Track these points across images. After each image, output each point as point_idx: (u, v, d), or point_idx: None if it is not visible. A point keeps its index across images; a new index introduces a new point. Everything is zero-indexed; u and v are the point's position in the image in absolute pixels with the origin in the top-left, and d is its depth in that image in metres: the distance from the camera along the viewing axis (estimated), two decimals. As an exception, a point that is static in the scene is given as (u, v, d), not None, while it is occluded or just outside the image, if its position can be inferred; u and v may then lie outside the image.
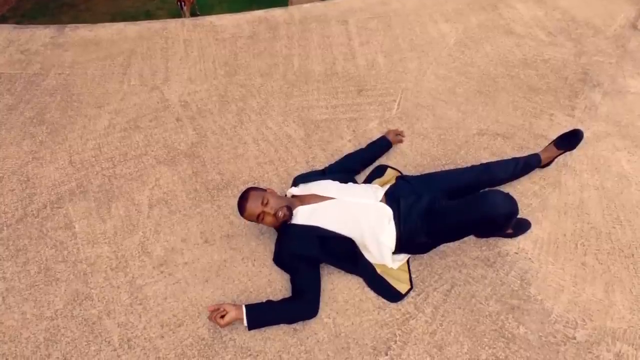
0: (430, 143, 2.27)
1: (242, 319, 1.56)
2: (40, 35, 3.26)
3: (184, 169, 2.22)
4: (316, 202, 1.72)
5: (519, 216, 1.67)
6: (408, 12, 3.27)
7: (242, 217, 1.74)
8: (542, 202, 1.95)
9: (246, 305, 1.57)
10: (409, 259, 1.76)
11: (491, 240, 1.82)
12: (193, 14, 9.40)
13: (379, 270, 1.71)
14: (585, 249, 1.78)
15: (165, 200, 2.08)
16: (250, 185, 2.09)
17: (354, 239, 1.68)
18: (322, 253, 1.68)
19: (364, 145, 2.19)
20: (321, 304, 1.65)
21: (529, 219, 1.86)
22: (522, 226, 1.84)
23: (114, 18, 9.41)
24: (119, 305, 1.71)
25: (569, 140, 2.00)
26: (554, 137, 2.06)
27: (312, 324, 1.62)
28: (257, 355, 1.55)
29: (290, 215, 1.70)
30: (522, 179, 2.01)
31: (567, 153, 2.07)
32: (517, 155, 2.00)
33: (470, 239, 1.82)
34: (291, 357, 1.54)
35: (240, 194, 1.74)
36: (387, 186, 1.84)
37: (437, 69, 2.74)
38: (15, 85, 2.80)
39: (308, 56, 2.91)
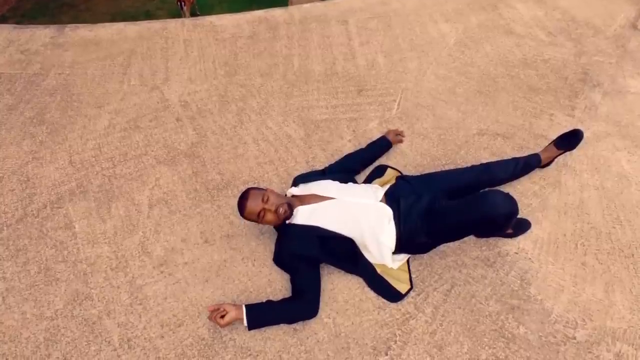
0: (430, 143, 2.27)
1: (242, 319, 1.56)
2: (40, 35, 3.26)
3: (184, 169, 2.22)
4: (316, 202, 1.72)
5: (519, 216, 1.67)
6: (408, 12, 3.27)
7: (242, 218, 1.74)
8: (542, 202, 1.95)
9: (246, 305, 1.58)
10: (409, 259, 1.76)
11: (491, 240, 1.82)
12: (193, 14, 9.40)
13: (379, 270, 1.71)
14: (585, 249, 1.78)
15: (165, 200, 2.08)
16: (250, 185, 2.09)
17: (354, 239, 1.68)
18: (322, 253, 1.68)
19: (364, 145, 2.19)
20: (321, 304, 1.65)
21: (529, 219, 1.86)
22: (522, 226, 1.84)
23: (114, 18, 9.42)
24: (119, 305, 1.71)
25: (569, 140, 2.00)
26: (554, 137, 2.06)
27: (312, 324, 1.62)
28: (257, 355, 1.55)
29: (291, 212, 1.70)
30: (522, 179, 2.01)
31: (567, 153, 2.07)
32: (517, 155, 2.00)
33: (470, 239, 1.82)
34: (291, 357, 1.54)
35: (240, 195, 1.74)
36: (387, 186, 1.84)
37: (437, 69, 2.74)
38: (15, 85, 2.80)
39: (308, 56, 2.91)
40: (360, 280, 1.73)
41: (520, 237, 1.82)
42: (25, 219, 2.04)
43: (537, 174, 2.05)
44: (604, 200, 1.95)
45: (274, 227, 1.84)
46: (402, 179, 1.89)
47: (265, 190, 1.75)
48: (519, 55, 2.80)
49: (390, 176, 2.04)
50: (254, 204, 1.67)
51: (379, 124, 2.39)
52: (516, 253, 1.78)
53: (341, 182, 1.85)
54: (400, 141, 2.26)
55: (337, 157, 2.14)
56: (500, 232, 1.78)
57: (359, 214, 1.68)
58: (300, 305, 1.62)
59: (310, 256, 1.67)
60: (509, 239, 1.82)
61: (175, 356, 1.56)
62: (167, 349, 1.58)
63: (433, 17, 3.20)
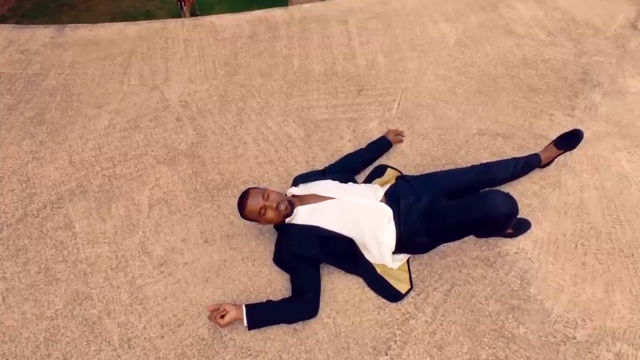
0: (430, 143, 2.27)
1: (242, 318, 1.56)
2: (40, 35, 3.26)
3: (184, 169, 2.22)
4: (316, 202, 1.72)
5: (519, 216, 1.67)
6: (408, 12, 3.27)
7: (242, 218, 1.74)
8: (542, 202, 1.95)
9: (246, 305, 1.58)
10: (409, 259, 1.76)
11: (491, 240, 1.82)
12: (193, 14, 9.40)
13: (379, 270, 1.71)
14: (585, 249, 1.78)
15: (165, 200, 2.08)
16: (250, 185, 2.09)
17: (354, 238, 1.68)
18: (322, 253, 1.68)
19: (364, 145, 2.19)
20: (321, 304, 1.65)
21: (529, 219, 1.86)
22: (522, 226, 1.84)
23: (114, 18, 9.42)
24: (119, 305, 1.71)
25: (569, 140, 2.00)
26: (554, 137, 2.06)
27: (312, 324, 1.62)
28: (257, 355, 1.55)
29: (292, 209, 1.70)
30: (522, 179, 2.01)
31: (567, 153, 2.07)
32: (517, 155, 2.00)
33: (470, 239, 1.82)
34: (291, 357, 1.54)
35: (240, 195, 1.74)
36: (387, 186, 1.84)
37: (437, 69, 2.74)
38: (15, 85, 2.81)
39: (308, 56, 2.91)
40: (360, 280, 1.73)
41: (520, 237, 1.82)
42: (25, 219, 2.04)
43: (537, 174, 2.05)
44: (604, 200, 1.95)
45: (274, 227, 1.84)
46: (402, 178, 1.89)
47: (266, 189, 1.75)
48: (519, 55, 2.80)
49: (390, 176, 2.04)
50: (254, 202, 1.67)
51: (379, 124, 2.39)
52: (516, 253, 1.78)
53: (341, 182, 1.85)
54: (400, 141, 2.26)
55: (337, 157, 2.14)
56: (500, 232, 1.78)
57: (359, 213, 1.68)
58: (300, 305, 1.62)
59: (310, 256, 1.67)
60: (509, 239, 1.82)
61: (175, 356, 1.56)
62: (167, 349, 1.58)
63: (433, 17, 3.21)
